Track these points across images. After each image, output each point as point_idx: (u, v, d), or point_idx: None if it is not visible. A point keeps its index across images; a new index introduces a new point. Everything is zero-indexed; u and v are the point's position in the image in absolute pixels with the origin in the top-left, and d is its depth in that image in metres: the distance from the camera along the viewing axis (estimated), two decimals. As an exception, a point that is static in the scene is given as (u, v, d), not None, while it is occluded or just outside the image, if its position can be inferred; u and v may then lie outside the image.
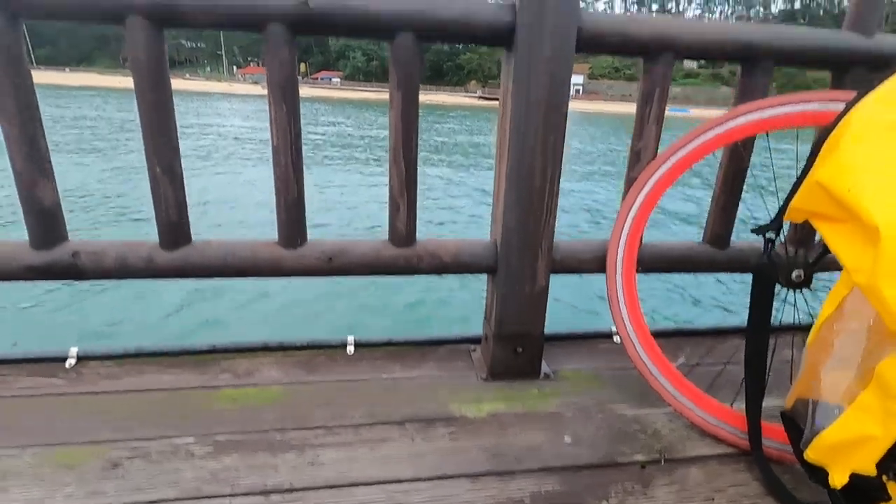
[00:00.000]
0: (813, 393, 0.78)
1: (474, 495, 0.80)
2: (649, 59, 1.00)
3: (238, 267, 0.99)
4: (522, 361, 1.10)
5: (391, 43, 0.91)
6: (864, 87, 0.75)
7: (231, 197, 8.24)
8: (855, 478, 0.68)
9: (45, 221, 0.93)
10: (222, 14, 0.85)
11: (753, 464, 0.88)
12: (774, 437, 0.89)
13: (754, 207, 1.08)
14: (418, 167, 1.01)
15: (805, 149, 0.81)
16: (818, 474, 0.74)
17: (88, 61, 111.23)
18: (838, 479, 0.69)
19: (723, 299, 4.68)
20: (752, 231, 0.91)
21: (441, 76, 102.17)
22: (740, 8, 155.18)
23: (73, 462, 0.82)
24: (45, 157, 0.90)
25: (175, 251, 0.97)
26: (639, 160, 1.04)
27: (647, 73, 1.01)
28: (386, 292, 4.17)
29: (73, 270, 0.95)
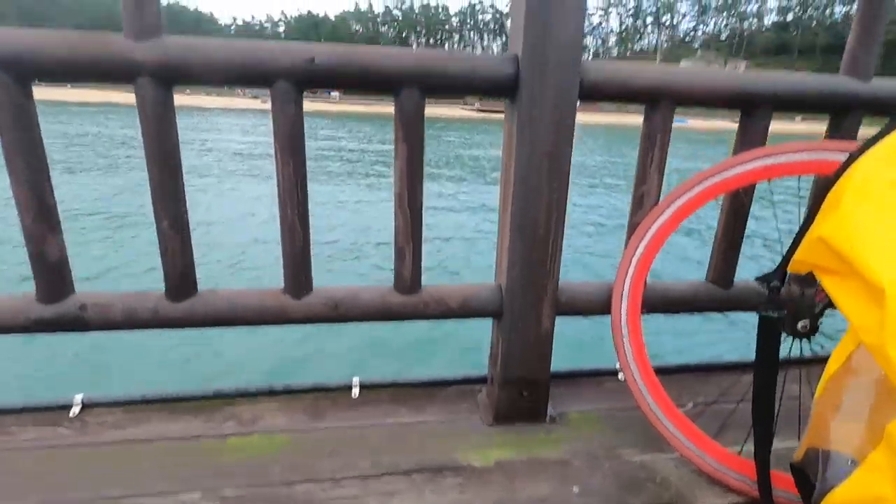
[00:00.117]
0: (823, 444, 0.78)
1: None
2: (649, 106, 1.01)
3: (244, 317, 1.00)
4: (528, 405, 1.10)
5: (396, 97, 0.92)
6: (865, 143, 0.75)
7: (235, 216, 8.28)
8: None
9: (53, 276, 0.93)
10: (232, 72, 0.86)
11: None
12: (784, 487, 0.88)
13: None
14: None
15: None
16: (830, 531, 0.74)
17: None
18: None
19: (730, 336, 4.65)
20: (756, 280, 0.92)
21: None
22: (734, 20, 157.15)
23: (80, 522, 0.81)
24: (53, 215, 0.90)
25: (181, 302, 0.98)
26: (641, 206, 1.05)
27: (648, 120, 1.02)
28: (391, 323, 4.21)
29: (80, 323, 0.95)
